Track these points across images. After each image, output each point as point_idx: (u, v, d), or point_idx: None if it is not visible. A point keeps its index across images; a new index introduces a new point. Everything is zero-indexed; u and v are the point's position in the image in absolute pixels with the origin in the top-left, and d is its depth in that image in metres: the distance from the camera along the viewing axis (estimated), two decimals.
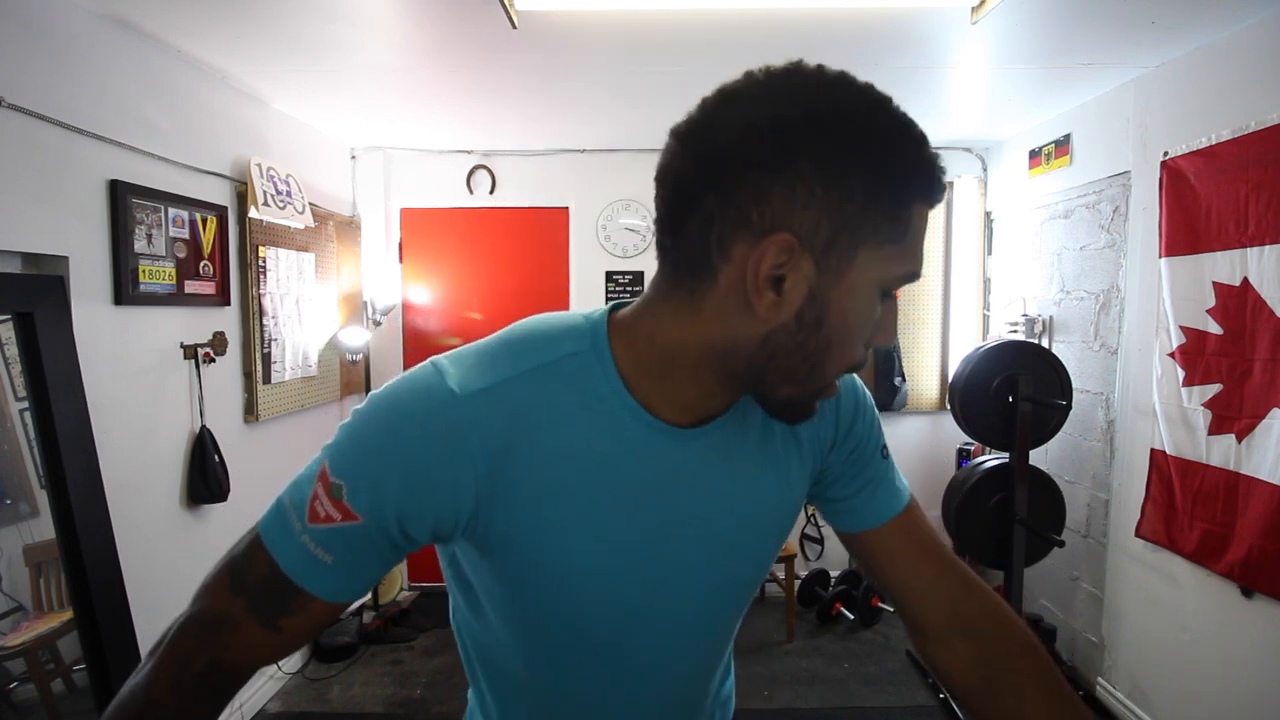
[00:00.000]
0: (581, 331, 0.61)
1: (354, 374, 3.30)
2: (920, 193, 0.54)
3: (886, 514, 0.73)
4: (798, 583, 3.31)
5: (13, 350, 1.63)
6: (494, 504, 0.57)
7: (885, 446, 0.75)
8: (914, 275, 0.56)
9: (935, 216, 3.49)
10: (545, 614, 0.64)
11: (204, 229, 2.27)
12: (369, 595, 3.13)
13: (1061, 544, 2.44)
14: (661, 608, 0.66)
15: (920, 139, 0.53)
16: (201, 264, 2.26)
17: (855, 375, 0.74)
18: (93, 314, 1.85)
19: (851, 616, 3.24)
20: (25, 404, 1.65)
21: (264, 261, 2.57)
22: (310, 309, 2.90)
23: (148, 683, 0.57)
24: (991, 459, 2.70)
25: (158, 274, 2.06)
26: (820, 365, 0.56)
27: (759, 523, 0.68)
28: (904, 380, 3.49)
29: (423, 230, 3.56)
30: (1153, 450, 2.29)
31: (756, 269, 0.52)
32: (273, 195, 2.53)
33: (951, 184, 3.50)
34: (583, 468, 0.59)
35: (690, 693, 0.74)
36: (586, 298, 3.53)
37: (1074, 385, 2.64)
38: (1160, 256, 2.23)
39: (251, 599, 0.57)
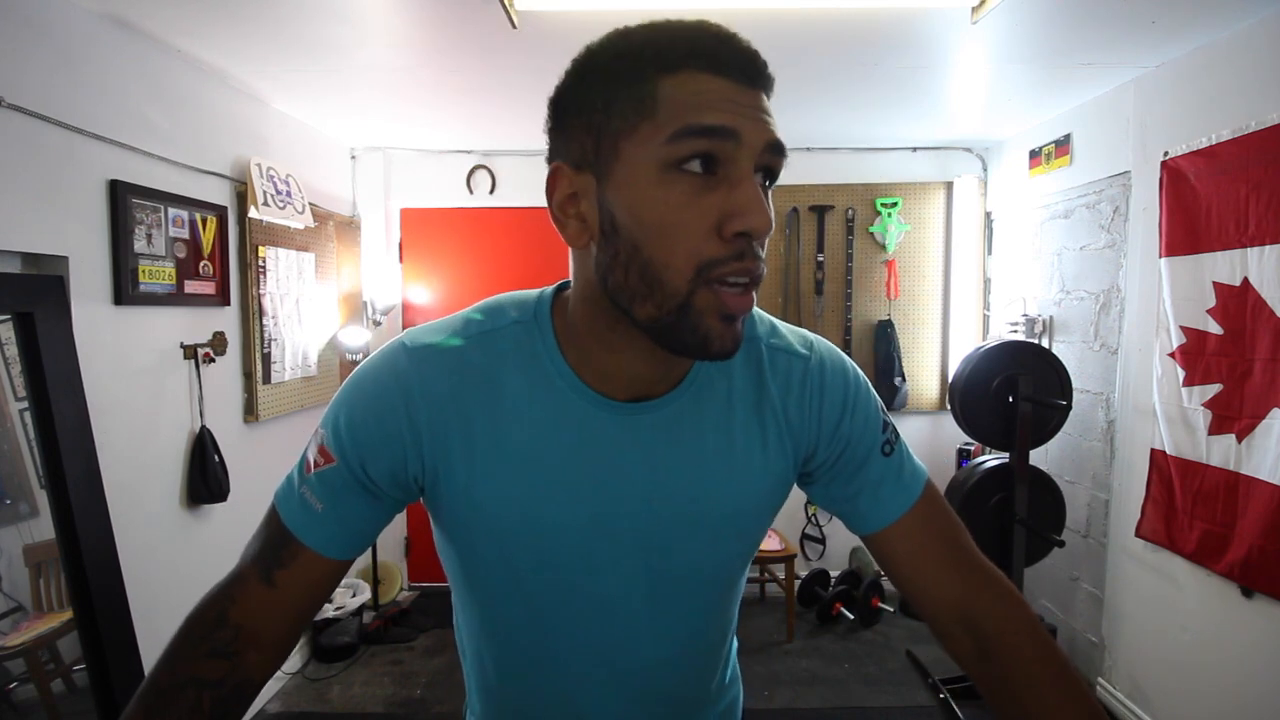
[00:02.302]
0: (528, 303, 0.66)
1: None
2: (659, 64, 0.52)
3: (892, 514, 0.69)
4: (798, 583, 3.31)
5: (13, 350, 1.63)
6: (437, 454, 0.61)
7: (889, 441, 0.70)
8: (698, 130, 0.51)
9: (936, 215, 3.52)
10: (488, 575, 0.67)
11: (204, 229, 2.27)
12: (369, 595, 3.13)
13: (1061, 544, 2.44)
14: (602, 588, 0.66)
15: (651, 26, 0.54)
16: (201, 264, 2.26)
17: (849, 371, 0.71)
18: (93, 314, 1.85)
19: (851, 616, 3.24)
20: (25, 404, 1.65)
21: (264, 261, 2.57)
22: (310, 309, 2.90)
23: (174, 638, 0.61)
24: (991, 459, 2.70)
25: (158, 274, 2.06)
26: (651, 271, 0.53)
27: (712, 515, 0.65)
28: (904, 380, 3.49)
29: (423, 230, 3.56)
30: (1153, 450, 2.29)
31: (550, 201, 0.58)
32: (273, 195, 2.53)
33: (951, 184, 3.50)
34: (520, 429, 0.61)
35: (653, 691, 0.72)
36: None
37: (1074, 385, 2.63)
38: (1160, 256, 2.23)
39: (258, 555, 0.63)
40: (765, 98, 0.55)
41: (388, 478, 0.62)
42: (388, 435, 0.61)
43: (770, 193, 0.56)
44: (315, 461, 0.62)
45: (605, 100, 0.54)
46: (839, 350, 0.73)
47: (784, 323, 0.73)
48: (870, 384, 0.73)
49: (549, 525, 0.62)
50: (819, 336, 0.73)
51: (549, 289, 0.67)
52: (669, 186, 0.52)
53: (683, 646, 0.71)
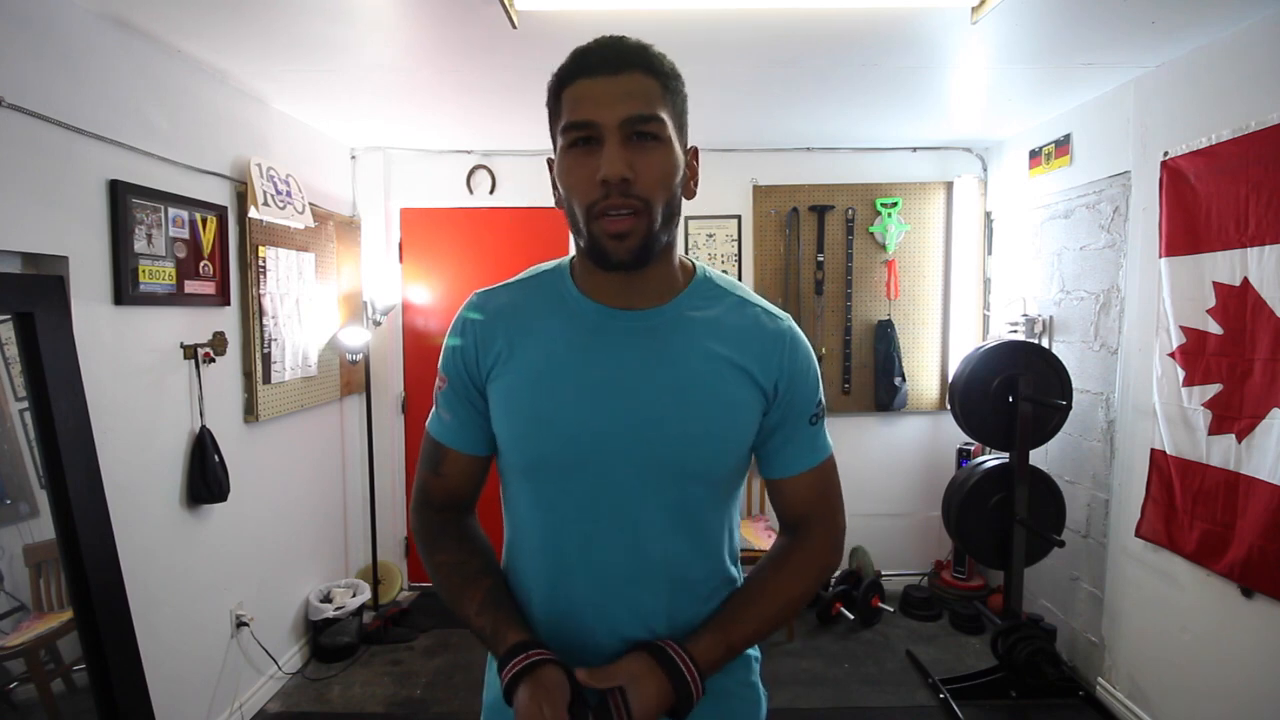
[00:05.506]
0: (562, 260, 0.93)
1: (354, 374, 3.30)
2: (561, 81, 0.81)
3: (793, 470, 0.91)
4: None
5: (13, 350, 1.63)
6: (485, 353, 0.88)
7: (817, 416, 0.91)
8: (570, 125, 0.78)
9: (936, 215, 3.54)
10: (518, 438, 0.86)
11: (204, 229, 2.27)
12: (369, 595, 3.13)
13: (1061, 544, 2.44)
14: (599, 452, 0.83)
15: (571, 54, 0.80)
16: (201, 264, 2.26)
17: (811, 349, 0.91)
18: (93, 314, 1.85)
19: (851, 616, 3.24)
20: (25, 404, 1.65)
21: (264, 261, 2.57)
22: (310, 309, 2.90)
23: (418, 537, 0.94)
24: (991, 459, 2.70)
25: (158, 274, 2.06)
26: (571, 213, 0.80)
27: (689, 391, 0.83)
28: (904, 380, 3.49)
29: (423, 230, 3.56)
30: (1153, 450, 2.29)
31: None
32: (273, 195, 2.53)
33: (951, 184, 3.50)
34: (542, 331, 0.86)
35: (634, 570, 0.85)
36: None
37: (1074, 385, 2.64)
38: (1160, 256, 2.23)
39: (424, 461, 0.95)
40: (636, 75, 0.77)
41: (472, 380, 0.89)
42: (462, 350, 0.89)
43: (662, 141, 0.78)
44: (439, 386, 0.92)
45: (550, 109, 0.83)
46: None
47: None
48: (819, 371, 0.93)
49: (558, 391, 0.83)
50: None
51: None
52: (567, 158, 0.79)
53: (666, 524, 0.85)
